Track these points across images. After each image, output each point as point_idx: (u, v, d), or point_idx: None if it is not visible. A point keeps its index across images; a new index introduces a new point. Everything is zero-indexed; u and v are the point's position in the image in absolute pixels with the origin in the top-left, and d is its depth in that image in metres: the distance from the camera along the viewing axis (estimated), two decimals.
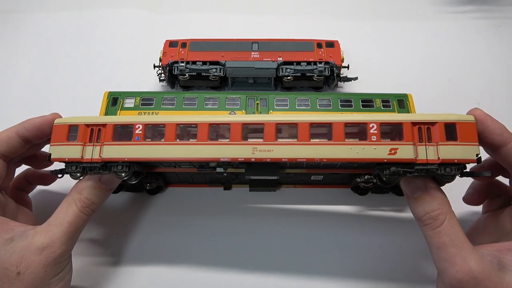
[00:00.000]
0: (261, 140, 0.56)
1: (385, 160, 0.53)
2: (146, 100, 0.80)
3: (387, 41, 1.04)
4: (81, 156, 0.57)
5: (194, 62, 0.88)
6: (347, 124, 0.56)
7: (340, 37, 0.94)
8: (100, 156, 0.57)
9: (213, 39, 0.92)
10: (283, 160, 0.55)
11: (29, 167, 0.70)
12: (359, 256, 0.70)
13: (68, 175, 0.59)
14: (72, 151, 0.57)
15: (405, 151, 0.53)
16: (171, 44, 0.91)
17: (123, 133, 0.60)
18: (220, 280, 0.68)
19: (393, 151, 0.53)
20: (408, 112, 0.78)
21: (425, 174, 0.53)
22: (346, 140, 0.55)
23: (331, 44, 0.91)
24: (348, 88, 0.95)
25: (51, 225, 0.54)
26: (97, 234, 0.73)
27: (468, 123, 0.53)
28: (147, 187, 0.74)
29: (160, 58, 0.90)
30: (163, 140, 0.58)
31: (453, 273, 0.47)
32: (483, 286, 0.46)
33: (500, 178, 0.62)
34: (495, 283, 0.46)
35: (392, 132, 0.59)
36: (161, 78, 0.92)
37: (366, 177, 0.69)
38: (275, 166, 0.63)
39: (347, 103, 0.79)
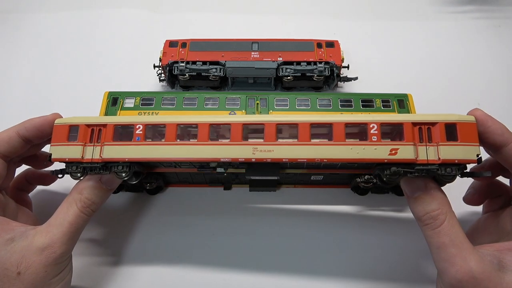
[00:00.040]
0: (262, 140, 0.56)
1: (386, 161, 0.54)
2: (146, 100, 0.80)
3: (387, 41, 1.04)
4: (82, 156, 0.57)
5: (194, 62, 0.88)
6: (347, 125, 0.56)
7: (340, 37, 0.94)
8: (101, 156, 0.57)
9: (213, 39, 0.92)
10: (283, 160, 0.55)
11: (29, 167, 0.70)
12: (359, 256, 0.70)
13: (69, 175, 0.59)
14: (73, 151, 0.57)
15: (405, 152, 0.53)
16: (171, 44, 0.91)
17: (124, 133, 0.60)
18: (220, 280, 0.68)
19: (393, 152, 0.53)
20: (408, 112, 0.78)
21: (425, 174, 0.53)
22: (346, 141, 0.55)
23: (331, 44, 0.91)
24: (348, 88, 0.95)
25: (51, 225, 0.54)
26: (97, 234, 0.73)
27: (468, 124, 0.53)
28: (147, 187, 0.74)
29: (160, 58, 0.90)
30: (163, 140, 0.58)
31: (453, 273, 0.48)
32: (483, 286, 0.46)
33: (500, 178, 0.62)
34: (495, 283, 0.46)
35: (392, 132, 0.59)
36: (161, 78, 0.92)
37: (366, 177, 0.69)
38: (276, 166, 0.63)
39: (347, 103, 0.79)
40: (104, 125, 0.59)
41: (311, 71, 0.88)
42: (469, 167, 0.58)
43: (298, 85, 0.93)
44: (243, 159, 0.56)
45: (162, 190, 0.78)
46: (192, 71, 0.88)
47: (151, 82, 0.95)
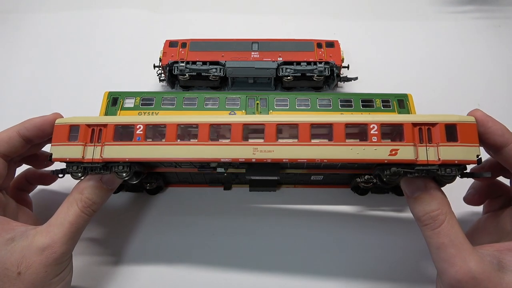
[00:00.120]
0: (262, 140, 0.56)
1: (386, 161, 0.54)
2: (146, 100, 0.80)
3: (387, 41, 1.04)
4: (82, 156, 0.57)
5: (194, 62, 0.88)
6: (347, 125, 0.56)
7: (340, 37, 0.94)
8: (101, 156, 0.57)
9: (213, 39, 0.92)
10: (283, 160, 0.55)
11: (29, 166, 0.70)
12: (359, 256, 0.70)
13: (69, 175, 0.59)
14: (73, 151, 0.57)
15: (405, 152, 0.53)
16: (171, 44, 0.91)
17: (124, 133, 0.60)
18: (220, 279, 0.68)
19: (393, 152, 0.53)
20: (408, 112, 0.78)
21: (425, 175, 0.53)
22: (346, 141, 0.55)
23: (331, 44, 0.91)
24: (348, 88, 0.95)
25: (52, 225, 0.54)
26: (98, 234, 0.73)
27: (468, 124, 0.53)
28: (147, 187, 0.75)
29: (160, 58, 0.90)
30: (164, 140, 0.58)
31: (453, 274, 0.48)
32: (483, 287, 0.46)
33: (501, 178, 0.62)
34: (494, 283, 0.46)
35: (392, 132, 0.59)
36: (161, 78, 0.92)
37: (366, 177, 0.69)
38: (276, 166, 0.63)
39: (347, 103, 0.79)
40: (105, 125, 0.59)
41: (311, 71, 0.88)
42: (469, 167, 0.58)
43: (298, 85, 0.93)
44: (244, 159, 0.56)
45: (162, 190, 0.78)
46: (192, 71, 0.88)
47: (151, 82, 0.95)
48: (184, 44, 0.91)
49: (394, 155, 0.53)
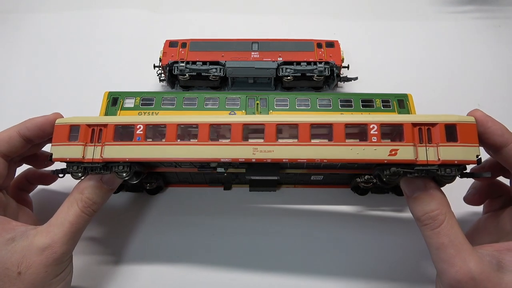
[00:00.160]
0: (262, 140, 0.56)
1: (386, 161, 0.54)
2: (146, 100, 0.80)
3: (387, 41, 1.04)
4: (83, 156, 0.57)
5: (194, 62, 0.88)
6: (347, 125, 0.56)
7: (340, 37, 0.94)
8: (101, 156, 0.57)
9: (213, 39, 0.92)
10: (283, 160, 0.55)
11: (30, 166, 0.70)
12: (359, 256, 0.70)
13: (69, 175, 0.59)
14: (74, 151, 0.57)
15: (405, 152, 0.53)
16: (171, 44, 0.91)
17: (124, 133, 0.60)
18: (220, 279, 0.68)
19: (393, 152, 0.53)
20: (408, 112, 0.78)
21: (425, 175, 0.53)
22: (346, 141, 0.55)
23: (331, 44, 0.91)
24: (348, 88, 0.95)
25: (52, 225, 0.54)
26: (98, 234, 0.73)
27: (468, 124, 0.53)
28: (147, 187, 0.75)
29: (160, 58, 0.90)
30: (164, 140, 0.58)
31: (452, 274, 0.48)
32: (483, 287, 0.46)
33: (501, 178, 0.62)
34: (494, 283, 0.46)
35: (392, 133, 0.59)
36: (161, 78, 0.92)
37: (366, 177, 0.69)
38: (276, 166, 0.64)
39: (347, 103, 0.79)
40: (105, 125, 0.59)
41: (311, 71, 0.88)
42: (469, 167, 0.58)
43: (298, 85, 0.93)
44: (243, 159, 0.56)
45: (162, 190, 0.78)
46: (192, 71, 0.88)
47: (151, 82, 0.95)
48: (184, 44, 0.91)
49: (394, 155, 0.53)
